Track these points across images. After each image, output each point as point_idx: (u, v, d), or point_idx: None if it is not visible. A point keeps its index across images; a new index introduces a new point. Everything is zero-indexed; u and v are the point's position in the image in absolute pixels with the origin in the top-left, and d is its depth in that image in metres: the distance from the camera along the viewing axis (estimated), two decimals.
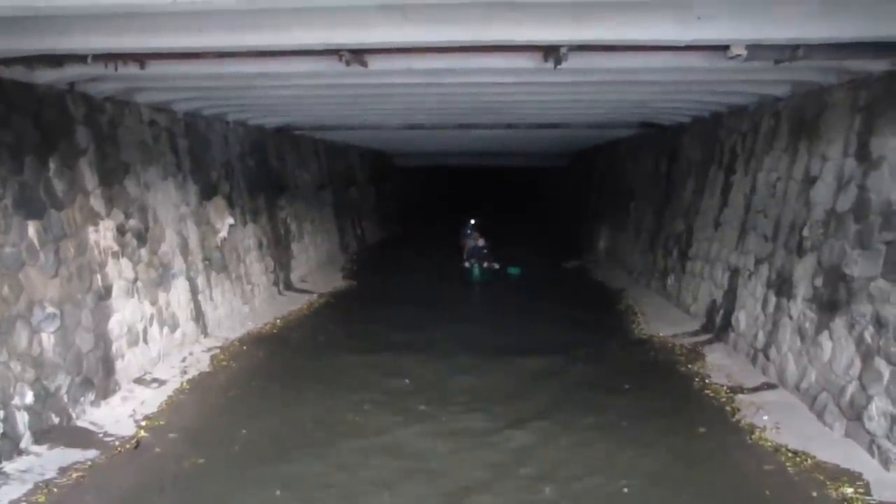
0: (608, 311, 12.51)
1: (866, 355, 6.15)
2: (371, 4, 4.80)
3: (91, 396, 7.12)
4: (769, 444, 6.40)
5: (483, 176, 37.36)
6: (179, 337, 9.29)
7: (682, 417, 7.19)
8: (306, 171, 17.10)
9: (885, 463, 5.67)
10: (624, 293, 13.48)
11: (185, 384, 8.13)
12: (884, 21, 4.99)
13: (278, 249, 13.83)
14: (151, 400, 7.57)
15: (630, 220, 15.81)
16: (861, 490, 5.42)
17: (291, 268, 14.40)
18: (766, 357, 8.07)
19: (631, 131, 15.10)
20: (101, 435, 6.62)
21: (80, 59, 6.05)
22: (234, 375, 8.63)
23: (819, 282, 7.16)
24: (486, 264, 16.04)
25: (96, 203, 7.75)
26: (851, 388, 6.27)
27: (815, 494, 5.49)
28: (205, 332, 10.03)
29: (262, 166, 13.81)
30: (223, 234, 11.24)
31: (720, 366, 8.61)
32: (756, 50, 5.58)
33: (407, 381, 8.25)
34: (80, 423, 6.77)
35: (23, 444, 6.05)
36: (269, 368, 8.99)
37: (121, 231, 8.16)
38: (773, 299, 8.17)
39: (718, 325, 9.74)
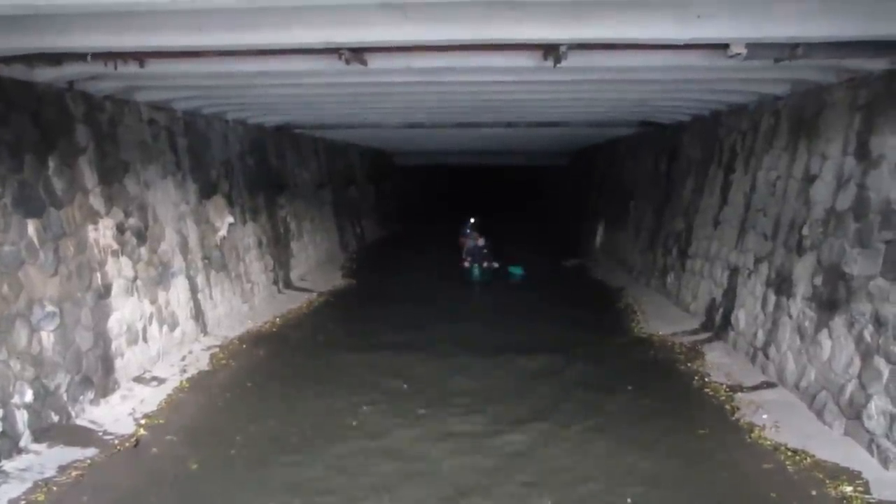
0: (608, 309, 12.51)
1: (866, 354, 6.16)
2: (371, 3, 4.80)
3: (90, 395, 7.12)
4: (768, 442, 6.40)
5: (483, 175, 37.38)
6: (179, 335, 9.29)
7: (681, 416, 7.19)
8: (306, 169, 17.10)
9: (885, 461, 5.67)
10: (623, 292, 13.48)
11: (184, 383, 8.13)
12: (883, 20, 5.00)
13: (278, 248, 13.84)
14: (151, 398, 7.57)
15: (630, 219, 15.81)
16: (860, 489, 5.43)
17: (291, 266, 14.40)
18: (766, 356, 8.08)
19: (631, 130, 15.10)
20: (100, 433, 6.62)
21: (79, 57, 6.04)
22: (234, 374, 8.63)
23: (818, 280, 7.16)
24: (485, 264, 16.04)
25: (96, 201, 7.74)
26: (851, 387, 6.28)
27: (814, 493, 5.49)
28: (204, 331, 10.03)
29: (262, 165, 13.80)
30: (223, 232, 11.24)
31: (720, 364, 8.61)
32: (756, 48, 5.59)
33: (405, 385, 8.18)
34: (79, 422, 6.77)
35: (22, 443, 6.05)
36: (269, 367, 8.99)
37: (120, 229, 8.16)
38: (772, 298, 8.17)
39: (718, 324, 9.74)
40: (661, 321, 10.94)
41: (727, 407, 7.33)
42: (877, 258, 6.20)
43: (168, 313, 9.07)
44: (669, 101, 10.29)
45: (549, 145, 21.30)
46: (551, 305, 12.76)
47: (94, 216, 7.65)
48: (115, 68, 6.28)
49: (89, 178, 7.69)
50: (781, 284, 7.98)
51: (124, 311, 8.02)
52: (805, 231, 7.61)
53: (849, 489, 5.43)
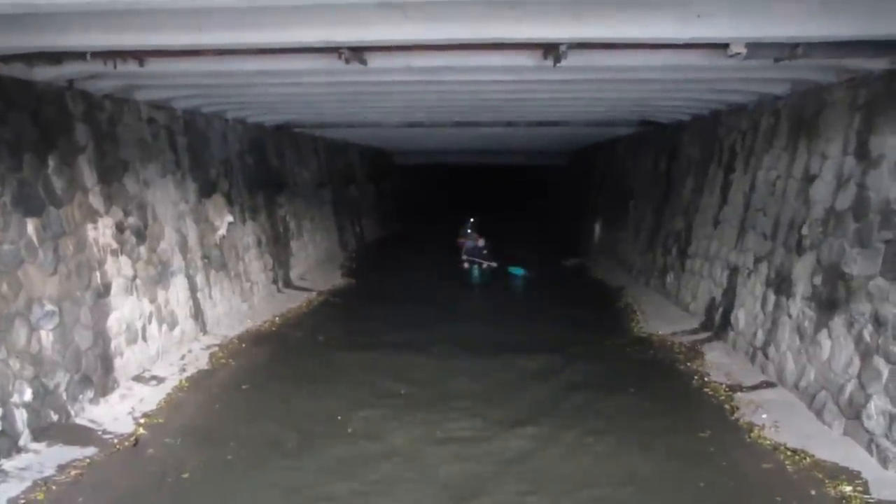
0: (607, 309, 12.52)
1: (865, 354, 6.16)
2: (371, 2, 4.79)
3: (90, 394, 7.12)
4: (768, 442, 6.40)
5: (483, 174, 37.33)
6: (178, 335, 9.29)
7: (681, 416, 7.18)
8: (306, 168, 17.09)
9: (884, 461, 5.67)
10: (623, 291, 13.48)
11: (183, 382, 8.13)
12: (883, 19, 4.99)
13: (277, 247, 13.83)
14: (150, 398, 7.56)
15: (629, 219, 15.81)
16: (860, 488, 5.42)
17: (290, 266, 14.40)
18: (765, 355, 8.08)
19: (630, 129, 15.10)
20: (99, 432, 6.62)
21: (79, 56, 6.03)
22: (233, 373, 8.62)
23: (818, 280, 7.16)
24: (485, 265, 16.02)
25: (95, 200, 7.74)
26: (850, 387, 6.28)
27: (813, 493, 5.49)
28: (204, 330, 10.03)
29: (262, 164, 13.80)
30: (222, 231, 11.23)
31: (719, 364, 8.61)
32: (756, 48, 5.58)
33: (404, 388, 8.12)
34: (78, 421, 6.76)
35: (21, 442, 6.05)
36: (268, 366, 8.98)
37: (120, 228, 8.15)
38: (772, 298, 8.17)
39: (717, 324, 9.74)
40: (661, 321, 10.94)
41: (727, 407, 7.33)
42: (876, 258, 6.20)
43: (167, 312, 9.07)
44: (669, 101, 10.29)
45: (549, 144, 21.31)
46: (551, 305, 12.77)
47: (93, 215, 7.65)
48: (115, 67, 6.27)
49: (89, 176, 7.68)
50: (781, 284, 7.98)
51: (124, 310, 8.02)
52: (805, 231, 7.61)
53: (848, 489, 5.42)
